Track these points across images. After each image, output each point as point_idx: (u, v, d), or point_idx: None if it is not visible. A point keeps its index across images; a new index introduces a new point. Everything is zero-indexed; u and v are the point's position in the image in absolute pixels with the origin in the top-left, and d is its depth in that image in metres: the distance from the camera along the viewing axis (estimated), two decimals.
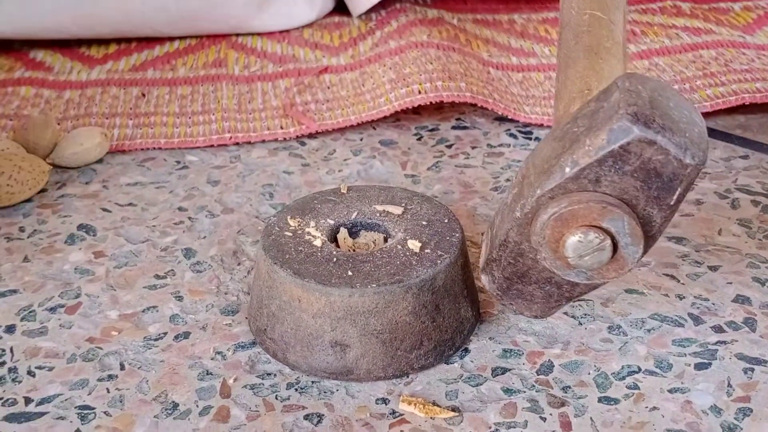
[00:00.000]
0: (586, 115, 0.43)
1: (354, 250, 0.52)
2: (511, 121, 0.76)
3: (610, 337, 0.52)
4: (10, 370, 0.50)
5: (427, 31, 0.86)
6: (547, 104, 0.76)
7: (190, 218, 0.64)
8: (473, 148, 0.73)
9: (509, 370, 0.50)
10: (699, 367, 0.50)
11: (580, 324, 0.53)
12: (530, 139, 0.73)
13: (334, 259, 0.49)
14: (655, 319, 0.53)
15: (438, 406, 0.47)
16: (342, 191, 0.56)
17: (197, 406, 0.47)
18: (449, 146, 0.73)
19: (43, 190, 0.67)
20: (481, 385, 0.49)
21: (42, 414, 0.47)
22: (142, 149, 0.73)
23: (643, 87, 0.42)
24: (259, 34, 0.91)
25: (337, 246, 0.52)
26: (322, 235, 0.52)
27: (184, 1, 0.86)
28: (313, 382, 0.49)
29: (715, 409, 0.47)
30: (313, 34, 0.90)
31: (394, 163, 0.70)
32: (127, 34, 0.89)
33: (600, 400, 0.47)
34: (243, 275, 0.58)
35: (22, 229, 0.63)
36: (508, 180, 0.68)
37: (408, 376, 0.49)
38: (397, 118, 0.77)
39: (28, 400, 0.48)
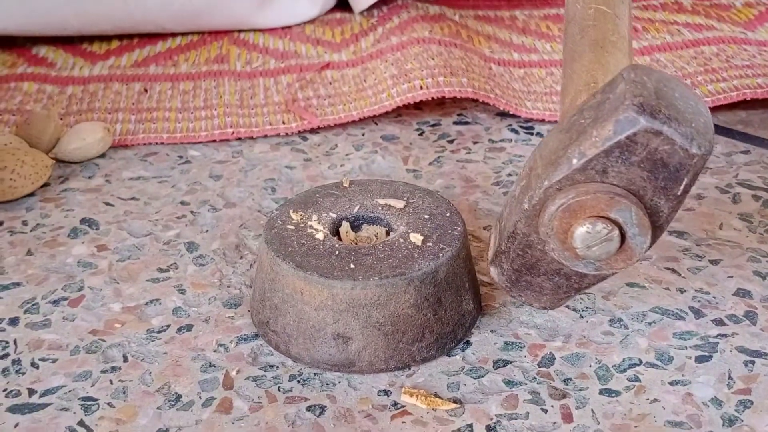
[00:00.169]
0: (592, 106, 0.43)
1: (356, 244, 0.52)
2: (513, 116, 0.76)
3: (612, 330, 0.52)
4: (13, 361, 0.50)
5: (428, 27, 0.86)
6: (549, 100, 0.76)
7: (192, 212, 0.64)
8: (475, 143, 0.73)
9: (511, 362, 0.50)
10: (700, 359, 0.50)
11: (582, 317, 0.53)
12: (531, 134, 0.74)
13: (337, 252, 0.50)
14: (656, 312, 0.53)
15: (440, 397, 0.47)
16: (344, 185, 0.56)
17: (200, 397, 0.48)
18: (451, 141, 0.73)
19: (46, 185, 0.67)
20: (482, 377, 0.49)
21: (45, 405, 0.47)
22: (145, 144, 0.73)
23: (649, 78, 0.42)
24: (261, 30, 0.91)
25: (340, 239, 0.52)
26: (324, 228, 0.52)
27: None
28: (315, 374, 0.49)
29: (716, 401, 0.47)
30: (315, 30, 0.91)
31: (395, 158, 0.71)
32: (130, 31, 0.89)
33: (601, 392, 0.48)
34: (245, 268, 0.58)
35: (25, 223, 0.63)
36: (509, 175, 0.68)
37: (410, 368, 0.49)
38: (398, 113, 0.78)
39: (31, 392, 0.48)
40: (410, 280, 0.48)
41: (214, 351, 0.51)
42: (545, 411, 0.46)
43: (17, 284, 0.57)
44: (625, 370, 0.49)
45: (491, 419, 0.46)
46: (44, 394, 0.48)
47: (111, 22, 0.87)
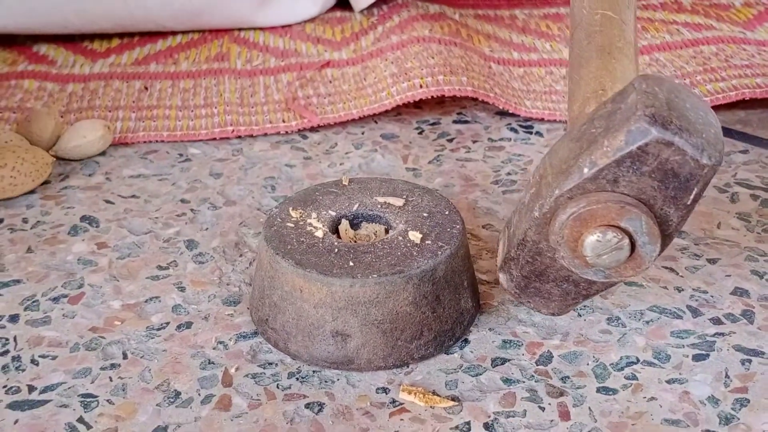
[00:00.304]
0: (603, 116, 0.43)
1: (355, 241, 0.52)
2: (512, 115, 0.76)
3: (609, 329, 0.52)
4: (13, 358, 0.50)
5: (428, 26, 0.86)
6: (548, 99, 0.77)
7: (192, 210, 0.64)
8: (474, 142, 0.73)
9: (509, 360, 0.50)
10: (697, 358, 0.50)
11: (580, 315, 0.53)
12: (531, 133, 0.74)
13: (336, 250, 0.50)
14: (654, 311, 0.54)
15: (438, 395, 0.48)
16: (343, 183, 0.56)
17: (199, 394, 0.48)
18: (450, 140, 0.73)
19: (46, 182, 0.67)
20: (480, 375, 0.49)
21: (45, 402, 0.48)
22: (145, 142, 0.73)
23: (660, 89, 0.42)
24: (261, 28, 0.91)
25: (339, 237, 0.52)
26: (323, 226, 0.52)
27: None
28: (314, 371, 0.49)
29: (713, 399, 0.47)
30: (315, 28, 0.91)
31: (395, 156, 0.71)
32: (130, 29, 0.89)
33: (598, 390, 0.48)
34: (245, 266, 0.58)
35: (25, 220, 0.63)
36: (508, 174, 0.68)
37: (408, 366, 0.50)
38: (398, 112, 0.78)
39: (31, 388, 0.48)
40: (409, 278, 0.48)
41: (214, 348, 0.51)
42: (543, 409, 0.47)
43: (17, 281, 0.57)
44: (622, 369, 0.49)
45: (489, 417, 0.46)
46: (44, 390, 0.48)
47: (111, 21, 0.87)
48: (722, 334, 0.52)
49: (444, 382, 0.49)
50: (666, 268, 0.57)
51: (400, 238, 0.51)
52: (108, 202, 0.65)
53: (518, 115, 0.76)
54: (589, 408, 0.47)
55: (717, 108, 0.76)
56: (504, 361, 0.50)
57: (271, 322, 0.51)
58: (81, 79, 0.82)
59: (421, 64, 0.78)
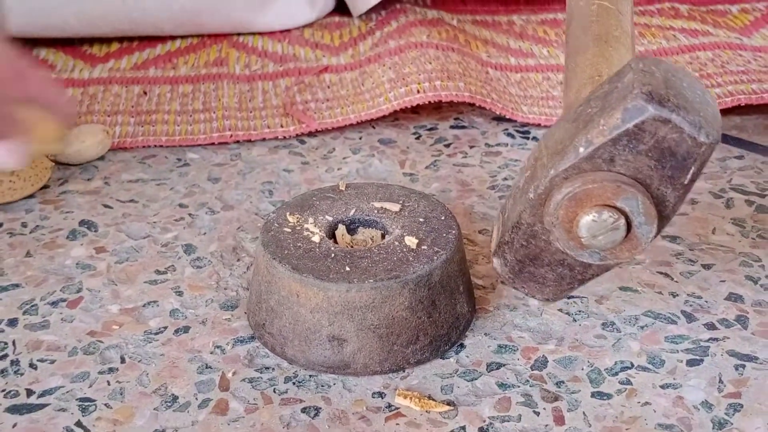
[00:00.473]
0: (599, 96, 0.43)
1: (352, 247, 0.52)
2: (509, 120, 0.77)
3: (604, 334, 0.52)
4: (12, 362, 0.51)
5: (426, 32, 0.86)
6: (545, 104, 0.77)
7: (190, 215, 0.64)
8: (471, 147, 0.73)
9: (504, 365, 0.50)
10: (691, 363, 0.50)
11: (575, 320, 0.54)
12: (528, 138, 0.74)
13: (332, 255, 0.50)
14: (649, 316, 0.54)
15: (433, 399, 0.48)
16: (340, 188, 0.56)
17: (196, 398, 0.48)
18: (447, 145, 0.74)
19: (45, 187, 0.67)
20: (476, 379, 0.49)
21: (44, 405, 0.48)
22: (144, 146, 0.74)
23: (657, 68, 0.42)
24: (260, 33, 0.91)
25: (335, 242, 0.53)
26: (320, 231, 0.52)
27: (186, 1, 0.87)
28: (310, 375, 0.50)
29: (706, 404, 0.47)
30: (314, 33, 0.91)
31: (392, 161, 0.71)
32: (129, 32, 0.89)
33: (593, 395, 0.48)
34: (242, 271, 0.58)
35: (24, 225, 0.63)
36: (505, 179, 0.68)
37: (404, 371, 0.50)
38: (396, 117, 0.78)
39: (30, 392, 0.49)
40: (405, 283, 0.48)
41: (211, 353, 0.51)
42: (537, 413, 0.47)
43: (16, 285, 0.57)
44: (617, 374, 0.50)
45: (484, 421, 0.47)
46: (42, 394, 0.49)
47: (110, 23, 0.88)
48: (716, 340, 0.52)
49: (440, 386, 0.49)
50: (661, 273, 0.57)
51: (397, 243, 0.51)
52: (106, 206, 0.65)
53: (515, 121, 0.76)
54: (584, 413, 0.47)
55: None
56: (499, 365, 0.50)
57: (268, 326, 0.51)
58: (80, 83, 0.83)
59: (419, 69, 0.78)
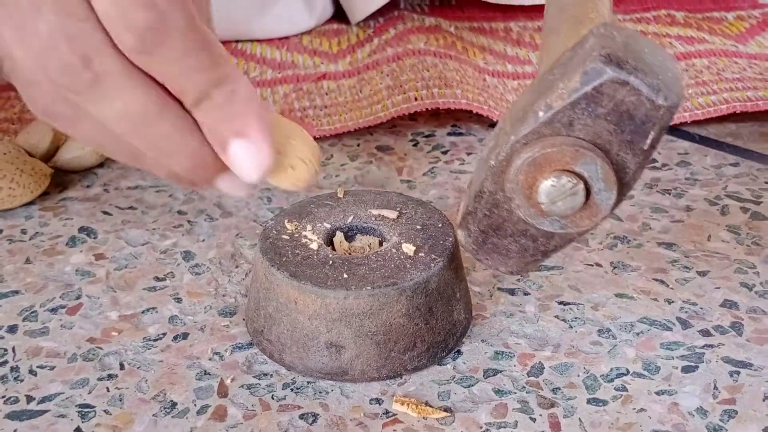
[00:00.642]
0: (561, 63, 0.43)
1: (350, 254, 0.53)
2: None
3: (600, 340, 0.53)
4: (12, 369, 0.51)
5: (424, 39, 0.87)
6: None
7: (189, 221, 0.65)
8: (468, 154, 0.74)
9: (500, 371, 0.51)
10: (686, 370, 0.51)
11: (571, 327, 0.54)
12: None
13: (330, 262, 0.51)
14: (644, 322, 0.54)
15: (430, 406, 0.48)
16: (338, 195, 0.57)
17: (195, 405, 0.49)
18: (445, 152, 0.74)
19: (44, 193, 0.68)
20: (472, 386, 0.50)
21: (43, 412, 0.48)
22: None
23: (618, 33, 0.42)
24: (258, 40, 0.92)
25: (333, 249, 0.53)
26: (318, 238, 0.53)
27: None
28: (308, 382, 0.50)
29: (701, 410, 0.48)
30: (312, 40, 0.92)
31: (390, 168, 0.72)
32: None
33: (589, 401, 0.49)
34: (241, 278, 0.59)
35: (24, 232, 0.64)
36: None
37: (401, 377, 0.50)
38: (393, 123, 0.79)
39: (29, 399, 0.49)
40: (402, 290, 0.49)
41: (209, 359, 0.52)
42: (534, 420, 0.47)
43: (16, 292, 0.57)
44: (612, 380, 0.50)
45: (481, 428, 0.47)
46: (42, 401, 0.49)
47: None
48: (711, 346, 0.52)
49: (437, 393, 0.49)
50: (656, 280, 0.58)
51: (394, 250, 0.52)
52: (106, 213, 0.66)
53: None
54: (580, 419, 0.47)
55: (708, 121, 0.77)
56: (496, 372, 0.51)
57: (266, 333, 0.51)
58: None
59: (417, 76, 0.79)
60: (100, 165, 0.72)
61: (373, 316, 0.49)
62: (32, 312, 0.56)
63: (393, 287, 0.49)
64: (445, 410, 0.48)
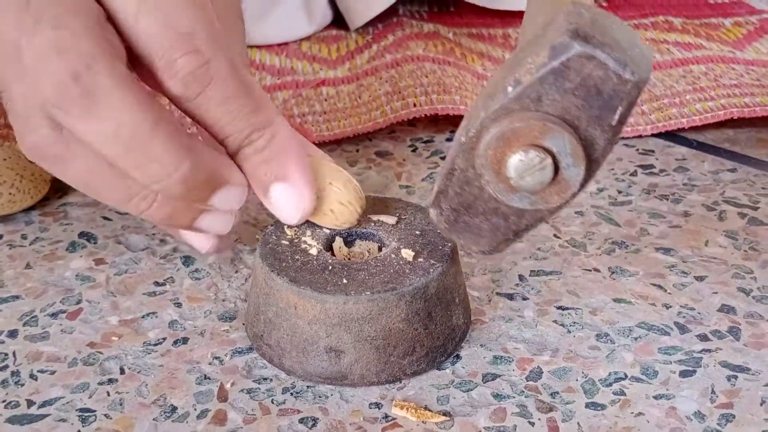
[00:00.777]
0: (531, 42, 0.44)
1: (349, 259, 0.53)
2: None
3: (598, 345, 0.53)
4: (12, 373, 0.51)
5: (423, 45, 0.87)
6: None
7: None
8: None
9: (499, 376, 0.51)
10: (684, 374, 0.51)
11: (569, 332, 0.54)
12: None
13: (330, 268, 0.51)
14: (642, 327, 0.55)
15: (429, 410, 0.48)
16: None
17: (195, 409, 0.49)
18: (443, 158, 0.74)
19: (44, 199, 0.68)
20: (471, 390, 0.50)
21: (44, 416, 0.48)
22: None
23: (587, 11, 0.42)
24: (257, 46, 0.92)
25: (333, 254, 0.53)
26: (317, 243, 0.53)
27: None
28: (308, 386, 0.50)
29: (699, 415, 0.48)
30: (311, 47, 0.92)
31: (389, 174, 0.72)
32: None
33: (587, 405, 0.49)
34: (240, 283, 0.59)
35: (24, 237, 0.64)
36: None
37: (401, 382, 0.51)
38: (392, 129, 0.79)
39: (30, 403, 0.49)
40: (401, 295, 0.49)
41: (209, 364, 0.52)
42: (532, 424, 0.48)
43: (16, 297, 0.58)
44: (610, 384, 0.50)
45: None
46: (43, 405, 0.49)
47: None
48: (709, 351, 0.53)
49: (436, 397, 0.50)
50: (654, 285, 0.58)
51: (393, 255, 0.52)
52: (106, 218, 0.66)
53: None
54: (578, 423, 0.48)
55: (706, 127, 0.77)
56: (495, 376, 0.51)
57: (266, 338, 0.51)
58: None
59: (415, 83, 0.79)
60: None
61: (373, 321, 0.49)
62: (33, 317, 0.56)
63: (392, 292, 0.49)
64: (444, 414, 0.48)
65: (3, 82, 0.45)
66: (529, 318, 0.55)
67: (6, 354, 0.53)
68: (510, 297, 0.57)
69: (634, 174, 0.72)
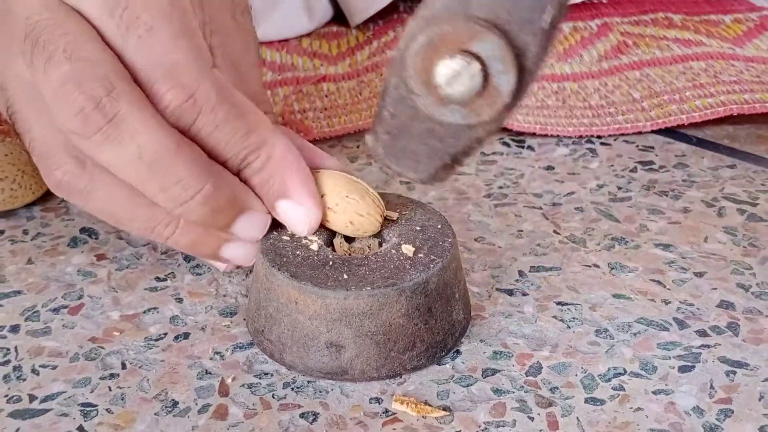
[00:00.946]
0: None
1: (349, 255, 0.53)
2: (504, 129, 0.78)
3: (598, 340, 0.53)
4: (15, 368, 0.52)
5: None
6: (540, 113, 0.78)
7: None
8: None
9: (499, 371, 0.51)
10: (683, 369, 0.51)
11: (569, 327, 0.54)
12: (522, 147, 0.75)
13: (330, 263, 0.51)
14: (641, 323, 0.55)
15: (429, 405, 0.49)
16: None
17: (196, 404, 0.49)
18: None
19: (46, 194, 0.68)
20: (471, 385, 0.50)
21: (46, 411, 0.49)
22: None
23: None
24: (258, 43, 0.92)
25: (334, 250, 0.54)
26: (318, 239, 0.53)
27: None
28: (308, 381, 0.51)
29: (698, 410, 0.48)
30: (312, 43, 0.92)
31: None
32: None
33: (586, 400, 0.49)
34: (241, 278, 0.59)
35: (26, 232, 0.64)
36: (500, 187, 0.69)
37: (401, 377, 0.51)
38: None
39: (32, 398, 0.49)
40: (402, 291, 0.49)
41: (210, 359, 0.52)
42: (532, 419, 0.48)
43: (18, 292, 0.58)
44: (610, 380, 0.50)
45: (479, 426, 0.47)
46: (44, 400, 0.49)
47: None
48: (708, 346, 0.53)
49: (436, 392, 0.50)
50: (653, 281, 0.58)
51: (393, 251, 0.52)
52: None
53: (510, 129, 0.77)
54: (577, 418, 0.48)
55: (705, 123, 0.77)
56: (494, 371, 0.51)
57: (267, 333, 0.52)
58: None
59: None
60: None
61: (373, 317, 0.49)
62: (34, 312, 0.56)
63: (392, 288, 0.49)
64: (444, 409, 0.48)
65: (25, 123, 0.47)
66: (528, 313, 0.56)
67: (8, 349, 0.53)
68: (510, 293, 0.57)
69: (633, 170, 0.72)
